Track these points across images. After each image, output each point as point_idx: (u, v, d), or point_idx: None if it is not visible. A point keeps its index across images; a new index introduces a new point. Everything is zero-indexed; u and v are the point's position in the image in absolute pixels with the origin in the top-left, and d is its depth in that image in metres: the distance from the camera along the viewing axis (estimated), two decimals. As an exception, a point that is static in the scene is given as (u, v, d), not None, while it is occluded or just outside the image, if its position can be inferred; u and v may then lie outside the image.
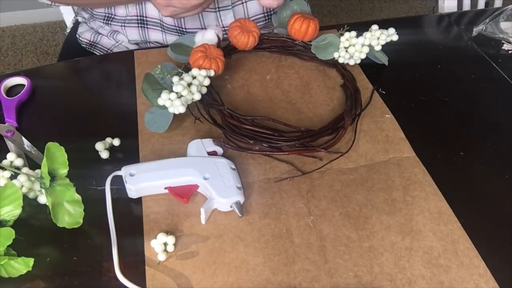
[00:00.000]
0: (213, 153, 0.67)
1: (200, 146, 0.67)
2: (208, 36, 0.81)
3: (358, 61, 0.83)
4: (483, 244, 0.60)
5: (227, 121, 0.72)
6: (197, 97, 0.70)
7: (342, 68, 0.83)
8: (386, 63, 0.84)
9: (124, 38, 0.99)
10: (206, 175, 0.63)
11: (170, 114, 0.70)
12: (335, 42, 0.82)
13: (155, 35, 0.97)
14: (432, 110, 0.78)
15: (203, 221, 0.61)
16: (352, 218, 0.62)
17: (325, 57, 0.83)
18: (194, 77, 0.72)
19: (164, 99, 0.68)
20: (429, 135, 0.74)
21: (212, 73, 0.74)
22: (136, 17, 0.95)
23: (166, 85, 0.72)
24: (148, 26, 0.96)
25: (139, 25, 0.96)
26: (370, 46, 0.82)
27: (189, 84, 0.70)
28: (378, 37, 0.81)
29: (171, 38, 0.96)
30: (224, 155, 0.68)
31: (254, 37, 0.82)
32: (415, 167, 0.68)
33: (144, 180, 0.62)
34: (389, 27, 0.82)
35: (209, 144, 0.68)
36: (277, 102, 0.78)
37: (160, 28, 0.96)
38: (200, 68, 0.74)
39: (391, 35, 0.82)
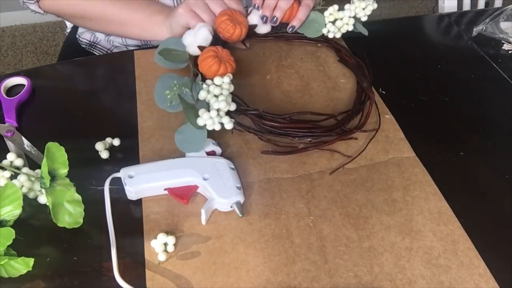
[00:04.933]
0: (211, 153, 0.67)
1: None
2: (202, 35, 0.75)
3: (344, 31, 0.85)
4: (483, 244, 0.60)
5: (263, 124, 0.70)
6: (233, 107, 0.68)
7: (335, 43, 0.85)
8: (366, 33, 0.86)
9: (119, 39, 0.99)
10: (206, 175, 0.63)
11: (204, 132, 0.66)
12: (319, 18, 0.84)
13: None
14: (432, 110, 0.78)
15: (203, 222, 0.61)
16: (352, 218, 0.62)
17: (313, 34, 0.85)
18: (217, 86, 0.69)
19: (204, 118, 0.64)
20: (429, 135, 0.74)
21: (231, 77, 0.71)
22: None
23: (187, 99, 0.68)
24: None
25: None
26: (355, 17, 0.84)
27: (220, 95, 0.67)
28: (364, 8, 0.83)
29: None
30: (222, 155, 0.68)
31: (242, 28, 0.80)
32: (415, 167, 0.68)
33: (143, 182, 0.62)
34: (389, 27, 0.82)
35: (207, 144, 0.68)
36: (277, 102, 0.78)
37: None
38: (216, 74, 0.71)
39: (372, 2, 0.84)
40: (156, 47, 0.82)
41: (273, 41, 0.89)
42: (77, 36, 1.06)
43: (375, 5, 0.84)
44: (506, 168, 0.69)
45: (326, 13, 0.84)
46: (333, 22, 0.84)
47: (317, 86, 0.81)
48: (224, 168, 0.64)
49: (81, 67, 0.87)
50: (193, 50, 0.77)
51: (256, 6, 0.83)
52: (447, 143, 0.73)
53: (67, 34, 1.15)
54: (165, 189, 0.63)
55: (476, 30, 0.95)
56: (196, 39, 0.75)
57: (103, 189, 0.63)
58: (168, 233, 0.59)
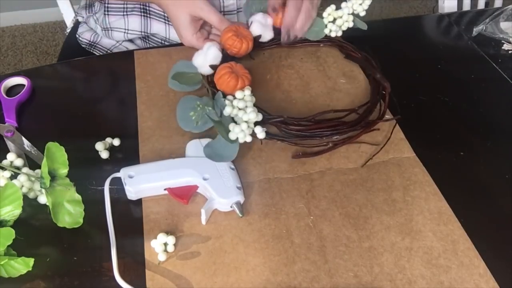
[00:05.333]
0: None
1: (198, 146, 0.67)
2: (212, 54, 0.76)
3: (345, 29, 0.85)
4: (483, 244, 0.60)
5: (289, 129, 0.71)
6: (260, 117, 0.68)
7: (339, 41, 0.85)
8: (365, 27, 0.86)
9: (119, 35, 0.98)
10: (206, 175, 0.63)
11: (236, 144, 0.67)
12: (318, 23, 0.84)
13: (158, 27, 0.95)
14: (432, 110, 0.78)
15: (203, 222, 0.61)
16: (352, 218, 0.62)
17: (316, 36, 0.85)
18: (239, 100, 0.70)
19: (236, 132, 0.66)
20: (429, 135, 0.74)
21: (250, 89, 0.72)
22: (139, 6, 0.95)
23: (212, 117, 0.69)
24: (151, 17, 0.95)
25: (142, 14, 0.95)
26: (353, 14, 0.84)
27: (245, 107, 0.68)
28: (361, 3, 0.83)
29: (174, 31, 0.94)
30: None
31: (248, 42, 0.80)
32: (415, 167, 0.68)
33: (143, 182, 0.62)
34: (389, 27, 0.82)
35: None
36: (277, 102, 0.78)
37: (163, 20, 0.95)
38: (235, 89, 0.72)
39: None
40: (157, 47, 0.82)
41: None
42: (77, 36, 1.06)
43: None
44: (506, 168, 0.69)
45: (324, 14, 0.84)
46: (333, 21, 0.85)
47: (317, 86, 0.81)
48: (224, 168, 0.64)
49: (81, 67, 0.87)
50: (205, 70, 0.77)
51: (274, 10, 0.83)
52: (447, 143, 0.73)
53: (67, 34, 1.15)
54: (165, 189, 0.63)
55: (476, 30, 0.95)
56: (207, 58, 0.76)
57: (103, 189, 0.63)
58: (168, 233, 0.59)
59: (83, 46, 1.05)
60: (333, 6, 0.84)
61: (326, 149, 0.70)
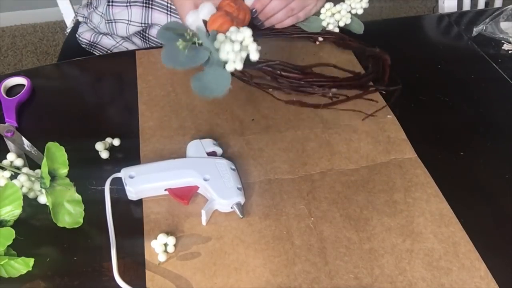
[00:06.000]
0: (212, 154, 0.67)
1: (199, 147, 0.67)
2: (206, 10, 0.69)
3: (343, 24, 0.85)
4: (484, 246, 0.60)
5: (283, 77, 0.66)
6: (255, 56, 0.60)
7: (335, 35, 0.86)
8: (362, 31, 0.86)
9: (122, 28, 0.98)
10: (206, 176, 0.63)
11: (227, 72, 0.60)
12: (315, 19, 0.84)
13: (159, 17, 0.95)
14: (432, 110, 0.78)
15: (204, 223, 0.61)
16: (353, 219, 0.62)
17: (313, 29, 0.85)
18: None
19: (227, 50, 0.59)
20: (428, 135, 0.74)
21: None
22: None
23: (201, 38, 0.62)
24: (153, 7, 0.95)
25: (144, 4, 0.95)
26: (351, 13, 0.85)
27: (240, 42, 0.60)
28: (360, 0, 0.84)
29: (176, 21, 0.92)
30: (223, 155, 0.68)
31: (249, 13, 0.76)
32: (416, 169, 0.68)
33: (144, 182, 0.62)
34: (389, 27, 0.82)
35: (208, 145, 0.67)
36: (278, 102, 0.78)
37: (165, 11, 0.94)
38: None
39: None
40: (158, 47, 0.82)
41: (275, 41, 0.89)
42: (77, 36, 1.06)
43: None
44: (506, 168, 0.69)
45: (322, 10, 0.84)
46: (333, 15, 0.85)
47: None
48: (225, 169, 0.64)
49: (81, 67, 0.87)
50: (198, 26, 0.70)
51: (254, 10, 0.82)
52: (447, 143, 0.73)
53: (67, 34, 1.15)
54: (165, 190, 0.63)
55: (476, 30, 0.95)
56: (200, 14, 0.69)
57: (103, 189, 0.62)
58: (168, 233, 0.59)
59: (83, 46, 1.05)
60: (331, 4, 0.84)
61: (319, 105, 0.67)
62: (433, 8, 2.52)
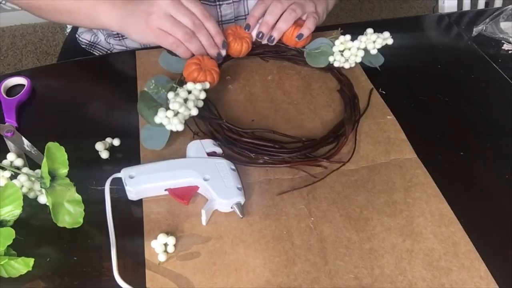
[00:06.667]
0: (212, 154, 0.67)
1: (199, 147, 0.67)
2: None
3: (353, 65, 0.83)
4: (484, 246, 0.60)
5: (226, 134, 0.71)
6: (194, 112, 0.70)
7: (338, 73, 0.82)
8: (378, 68, 0.83)
9: (122, 43, 0.99)
10: (206, 176, 0.63)
11: (167, 131, 0.69)
12: (328, 51, 0.82)
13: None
14: (432, 110, 0.78)
15: (204, 223, 0.61)
16: (353, 219, 0.62)
17: (317, 65, 0.82)
18: (189, 92, 0.71)
19: (161, 117, 0.67)
20: (428, 135, 0.74)
21: (207, 85, 0.73)
22: None
23: (161, 100, 0.71)
24: None
25: None
26: (365, 49, 0.81)
27: (185, 100, 0.69)
28: (374, 41, 0.81)
29: None
30: (223, 156, 0.68)
31: (247, 43, 0.81)
32: (416, 169, 0.68)
33: (144, 182, 0.62)
34: (389, 27, 0.82)
35: (208, 145, 0.67)
36: (278, 103, 0.78)
37: None
38: (195, 81, 0.73)
39: (386, 38, 0.82)
40: (158, 47, 0.82)
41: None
42: (77, 36, 1.06)
43: (390, 41, 0.82)
44: (506, 168, 0.69)
45: (337, 42, 0.81)
46: (342, 52, 0.81)
47: (318, 87, 0.81)
48: (225, 169, 0.64)
49: (81, 67, 0.87)
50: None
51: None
52: (447, 143, 0.73)
53: (67, 34, 1.14)
54: (165, 190, 0.63)
55: (476, 30, 0.95)
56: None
57: (103, 189, 0.62)
58: (168, 233, 0.59)
59: (83, 46, 1.05)
60: (348, 37, 0.81)
61: (256, 163, 0.68)
62: (433, 8, 2.52)
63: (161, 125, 0.68)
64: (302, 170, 0.68)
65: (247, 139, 0.70)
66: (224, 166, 0.64)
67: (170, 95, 0.69)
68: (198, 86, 0.72)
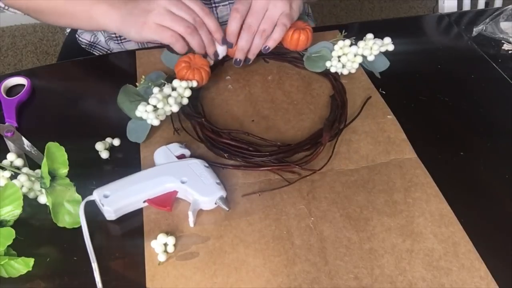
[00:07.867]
0: (181, 157, 0.66)
1: (167, 152, 0.66)
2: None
3: (353, 71, 0.82)
4: (484, 246, 0.60)
5: (206, 134, 0.71)
6: (175, 109, 0.70)
7: (333, 78, 0.82)
8: (378, 75, 0.83)
9: (120, 47, 0.99)
10: (184, 178, 0.62)
11: (148, 125, 0.70)
12: (327, 56, 0.82)
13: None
14: (432, 110, 0.78)
15: (191, 224, 0.61)
16: (353, 219, 0.62)
17: (315, 69, 0.82)
18: (174, 89, 0.72)
19: (140, 111, 0.68)
20: (428, 135, 0.74)
21: (194, 84, 0.73)
22: None
23: (149, 95, 0.71)
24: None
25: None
26: (363, 56, 0.81)
27: (168, 96, 0.70)
28: (371, 47, 0.80)
29: None
30: (192, 156, 0.68)
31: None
32: (416, 169, 0.68)
33: (121, 198, 0.60)
34: (389, 27, 0.82)
35: (175, 149, 0.67)
36: (278, 103, 0.78)
37: None
38: (183, 78, 0.73)
39: (386, 44, 0.81)
40: (158, 47, 0.82)
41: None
42: (77, 36, 1.06)
43: (391, 47, 0.81)
44: (506, 168, 0.69)
45: (336, 47, 0.80)
46: (339, 58, 0.81)
47: (318, 87, 0.81)
48: (199, 168, 0.64)
49: (81, 67, 0.87)
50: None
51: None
52: (447, 143, 0.73)
53: (67, 34, 1.14)
54: (144, 201, 0.62)
55: (476, 30, 0.95)
56: None
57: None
58: (168, 233, 0.59)
59: (83, 46, 1.05)
60: (347, 42, 0.79)
61: (225, 167, 0.68)
62: (433, 8, 2.52)
63: (141, 118, 0.69)
64: (277, 174, 0.67)
65: (224, 139, 0.70)
66: (198, 165, 0.64)
67: (155, 90, 0.70)
68: (183, 83, 0.72)
